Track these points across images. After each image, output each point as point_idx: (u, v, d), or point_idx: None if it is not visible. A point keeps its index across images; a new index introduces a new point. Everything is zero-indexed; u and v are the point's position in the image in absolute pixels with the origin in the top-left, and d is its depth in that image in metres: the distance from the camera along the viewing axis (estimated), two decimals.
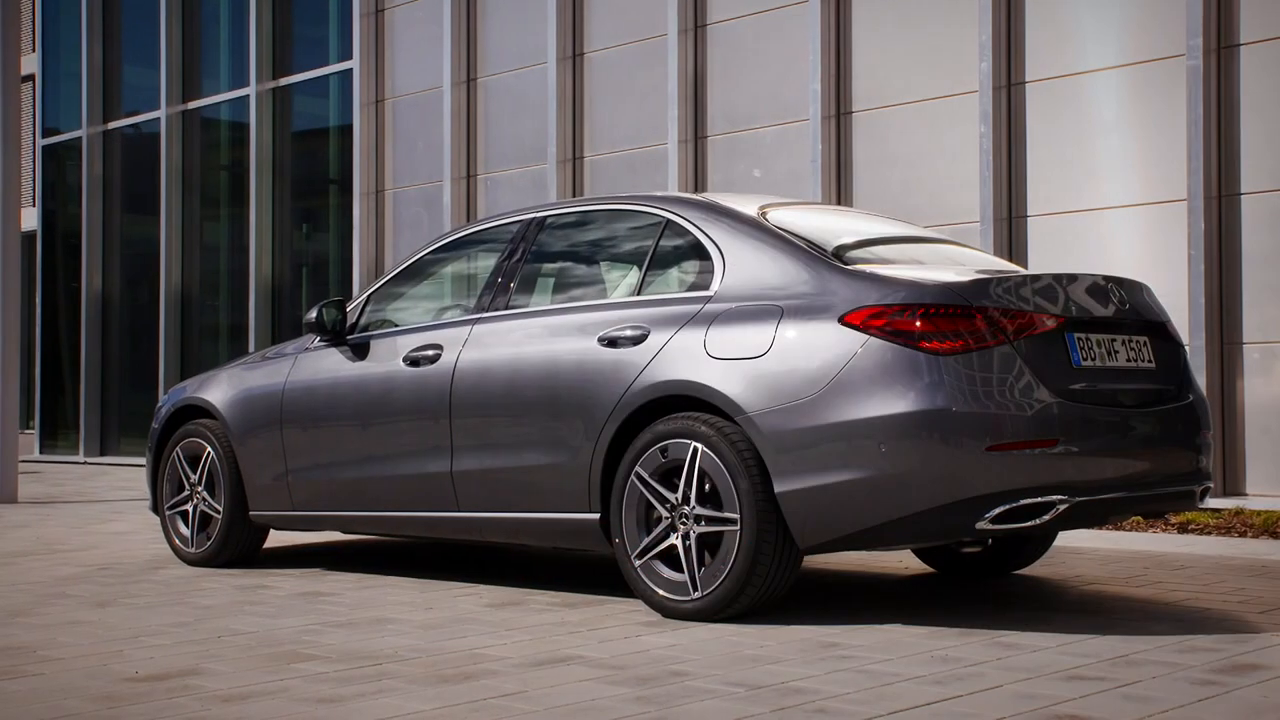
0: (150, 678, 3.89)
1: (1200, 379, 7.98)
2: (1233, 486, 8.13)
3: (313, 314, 6.10)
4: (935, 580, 5.80)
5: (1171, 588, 5.44)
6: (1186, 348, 7.88)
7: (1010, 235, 9.01)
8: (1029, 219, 8.97)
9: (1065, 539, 6.95)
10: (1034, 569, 5.93)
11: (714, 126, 10.61)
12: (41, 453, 16.92)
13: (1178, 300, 8.05)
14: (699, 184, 10.62)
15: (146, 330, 15.76)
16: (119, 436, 16.11)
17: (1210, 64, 8.18)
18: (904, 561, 6.30)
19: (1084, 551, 6.61)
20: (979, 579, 5.74)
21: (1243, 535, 7.25)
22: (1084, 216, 8.77)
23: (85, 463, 15.93)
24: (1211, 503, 7.85)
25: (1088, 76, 8.78)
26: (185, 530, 6.55)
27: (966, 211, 9.15)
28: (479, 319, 5.61)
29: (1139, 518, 6.99)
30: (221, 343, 15.13)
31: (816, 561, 6.31)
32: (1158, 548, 6.78)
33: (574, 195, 11.40)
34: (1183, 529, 7.44)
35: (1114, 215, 8.67)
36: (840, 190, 9.83)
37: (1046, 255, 8.82)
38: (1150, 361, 4.97)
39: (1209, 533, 7.34)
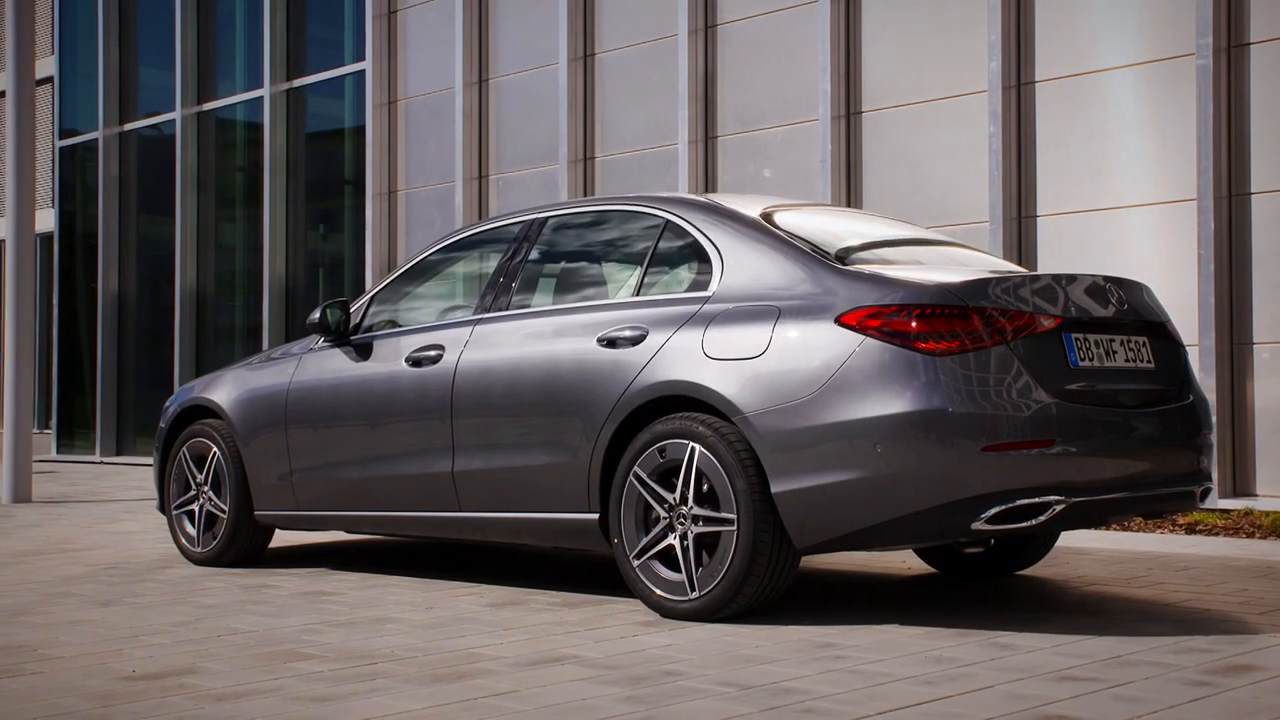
0: (147, 676, 3.92)
1: (1210, 379, 7.96)
2: (1242, 487, 8.09)
3: (316, 314, 6.13)
4: (936, 580, 5.79)
5: (1173, 588, 5.43)
6: (1193, 348, 7.94)
7: (1020, 235, 8.99)
8: (1038, 219, 8.95)
9: (1069, 539, 6.94)
10: (1037, 569, 5.92)
11: (724, 127, 10.61)
12: (58, 452, 17.02)
13: (1187, 300, 8.03)
14: (709, 184, 10.62)
15: (162, 330, 15.84)
16: (135, 436, 16.19)
17: (1220, 63, 8.15)
18: (906, 562, 6.29)
19: (1088, 552, 6.60)
20: (980, 579, 5.74)
21: (1250, 536, 7.22)
22: (1093, 216, 8.75)
23: (101, 462, 16.01)
24: (1220, 503, 7.83)
25: (1097, 76, 8.75)
26: (191, 530, 6.58)
27: (976, 211, 9.14)
28: (480, 319, 5.63)
29: (1145, 518, 6.97)
30: (236, 343, 15.19)
31: (818, 561, 6.31)
32: (1163, 548, 6.75)
33: (585, 195, 11.41)
34: (1190, 530, 7.41)
35: (1124, 215, 8.64)
36: (850, 190, 9.82)
37: (1056, 255, 8.80)
38: (1149, 362, 4.95)
39: (1217, 533, 7.31)
